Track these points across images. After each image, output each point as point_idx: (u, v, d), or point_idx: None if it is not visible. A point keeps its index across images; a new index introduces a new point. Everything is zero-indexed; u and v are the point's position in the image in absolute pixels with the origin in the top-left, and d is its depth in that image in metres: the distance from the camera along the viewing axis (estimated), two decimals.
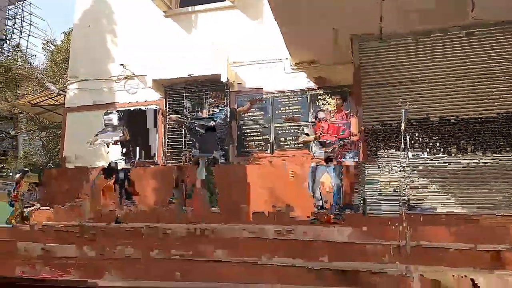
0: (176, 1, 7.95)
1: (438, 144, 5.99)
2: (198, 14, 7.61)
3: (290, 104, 6.90)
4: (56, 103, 9.10)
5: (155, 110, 7.51)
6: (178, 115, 6.59)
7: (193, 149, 5.74)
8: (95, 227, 4.20)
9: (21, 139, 14.55)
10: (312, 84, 6.83)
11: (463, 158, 5.85)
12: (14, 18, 14.50)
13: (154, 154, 7.36)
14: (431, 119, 6.12)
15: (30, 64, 16.35)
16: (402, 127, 3.89)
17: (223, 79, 6.86)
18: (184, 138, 7.23)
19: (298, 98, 6.88)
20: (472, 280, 2.62)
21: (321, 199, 5.31)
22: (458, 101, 6.07)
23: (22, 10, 14.61)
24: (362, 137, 6.20)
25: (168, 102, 7.49)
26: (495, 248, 3.02)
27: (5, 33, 14.33)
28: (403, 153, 3.65)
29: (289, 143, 6.78)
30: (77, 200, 5.89)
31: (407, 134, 3.64)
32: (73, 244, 3.79)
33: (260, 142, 6.90)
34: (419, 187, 5.77)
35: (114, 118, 5.89)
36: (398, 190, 5.58)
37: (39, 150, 13.80)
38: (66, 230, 4.14)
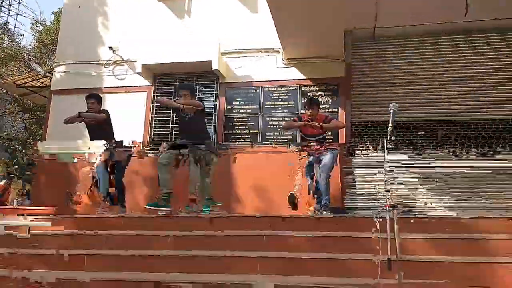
0: None
1: (426, 146, 6.03)
2: (191, 0, 7.49)
3: (280, 99, 6.85)
4: (41, 85, 8.89)
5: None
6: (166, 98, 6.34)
7: (179, 139, 5.51)
8: None
9: (5, 119, 14.26)
10: (303, 79, 6.79)
11: (451, 160, 5.90)
12: None
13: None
14: (419, 120, 6.16)
15: (17, 43, 16.03)
16: (390, 127, 3.87)
17: (214, 66, 6.77)
18: (172, 125, 7.14)
19: (288, 94, 6.84)
20: None
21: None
22: (448, 103, 6.13)
23: None
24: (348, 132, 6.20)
25: (156, 90, 7.38)
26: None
27: None
28: (389, 153, 3.62)
29: (276, 137, 6.75)
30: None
31: (393, 136, 3.61)
32: None
33: (247, 135, 6.85)
34: (405, 188, 5.81)
35: (96, 101, 5.71)
36: (382, 191, 5.59)
37: (21, 132, 13.54)
38: None
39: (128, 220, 3.92)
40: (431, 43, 6.33)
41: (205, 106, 5.54)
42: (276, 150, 6.56)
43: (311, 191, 5.30)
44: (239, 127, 6.92)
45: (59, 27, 9.31)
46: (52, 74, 8.13)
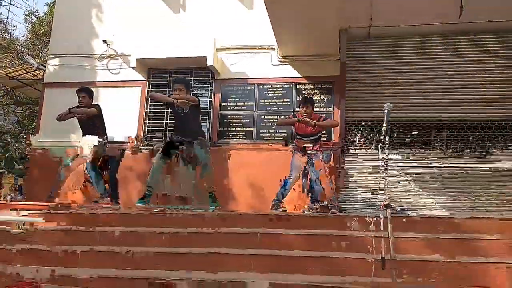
0: None
1: (419, 146, 6.09)
2: None
3: (275, 96, 6.86)
4: (34, 77, 8.80)
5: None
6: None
7: (174, 135, 5.52)
8: None
9: None
10: (298, 77, 6.80)
11: (444, 161, 5.97)
12: None
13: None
14: (413, 120, 6.20)
15: (10, 35, 15.82)
16: (384, 127, 3.89)
17: (209, 62, 6.75)
18: (166, 120, 7.12)
19: (283, 91, 6.85)
20: None
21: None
22: (441, 104, 6.18)
23: None
24: (342, 131, 6.23)
25: (151, 85, 7.35)
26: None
27: None
28: (382, 153, 3.65)
29: (270, 135, 6.76)
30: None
31: (388, 135, 3.64)
32: None
33: (241, 132, 6.85)
34: (398, 187, 5.86)
35: (87, 95, 5.68)
36: (376, 190, 5.66)
37: (14, 126, 13.40)
38: None
39: (121, 216, 3.90)
40: (426, 43, 6.37)
41: (200, 102, 5.54)
42: (271, 148, 6.58)
43: (305, 189, 5.34)
44: (234, 124, 6.92)
45: (52, 19, 9.20)
46: (45, 67, 8.04)
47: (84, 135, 5.68)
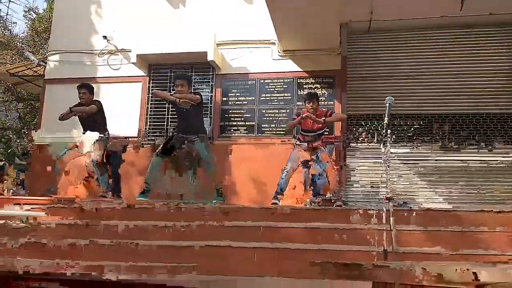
0: None
1: (421, 139, 6.09)
2: None
3: (276, 91, 6.85)
4: (35, 74, 8.80)
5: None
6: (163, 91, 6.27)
7: (176, 132, 5.51)
8: None
9: None
10: (299, 72, 6.79)
11: (447, 154, 5.98)
12: None
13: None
14: (415, 113, 6.20)
15: (10, 31, 15.79)
16: (385, 121, 3.89)
17: (210, 57, 6.74)
18: (167, 115, 7.12)
19: (284, 86, 6.84)
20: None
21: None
22: (443, 97, 6.18)
23: None
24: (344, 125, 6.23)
25: (152, 80, 7.35)
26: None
27: None
28: (384, 146, 3.65)
29: (271, 129, 6.76)
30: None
31: (389, 129, 3.64)
32: None
33: (243, 127, 6.86)
34: (401, 181, 5.87)
35: (87, 91, 5.69)
36: (378, 183, 5.66)
37: (16, 122, 13.41)
38: None
39: (125, 211, 3.90)
40: (427, 36, 6.35)
41: (203, 98, 5.54)
42: (272, 142, 6.59)
43: (307, 183, 5.35)
44: (235, 119, 6.92)
45: (52, 15, 9.19)
46: (45, 63, 8.04)
47: (85, 131, 5.69)
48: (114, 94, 7.23)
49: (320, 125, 5.25)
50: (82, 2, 7.80)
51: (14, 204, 3.92)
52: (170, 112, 7.04)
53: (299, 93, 6.73)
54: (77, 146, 5.66)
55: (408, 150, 6.06)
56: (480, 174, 5.80)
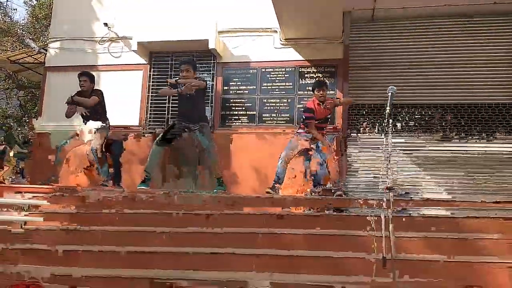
0: None
1: (423, 129, 6.07)
2: None
3: (277, 80, 6.82)
4: (36, 61, 8.77)
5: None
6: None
7: (178, 120, 5.50)
8: None
9: None
10: (301, 60, 6.74)
11: (449, 143, 5.96)
12: None
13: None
14: (417, 103, 6.17)
15: (10, 18, 15.69)
16: (387, 111, 3.86)
17: (211, 45, 6.69)
18: (168, 104, 7.10)
19: (286, 75, 6.80)
20: None
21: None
22: (446, 86, 6.14)
23: None
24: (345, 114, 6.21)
25: (152, 68, 7.31)
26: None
27: None
28: (386, 136, 3.64)
29: (272, 119, 6.74)
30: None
31: (391, 119, 3.62)
32: None
33: (244, 116, 6.83)
34: (402, 171, 5.86)
35: (88, 79, 5.66)
36: (380, 173, 5.65)
37: (16, 109, 13.40)
38: None
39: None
40: (430, 25, 6.29)
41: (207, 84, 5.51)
42: (273, 131, 6.57)
43: (308, 172, 5.35)
44: (236, 108, 6.89)
45: (52, 2, 9.11)
46: (46, 50, 7.99)
47: (85, 121, 5.67)
48: (114, 82, 7.19)
49: (329, 112, 5.23)
50: None
51: (15, 193, 3.93)
52: (171, 101, 7.02)
53: (300, 82, 6.69)
54: (77, 135, 5.67)
55: (409, 140, 6.04)
56: (482, 164, 5.79)
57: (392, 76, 6.24)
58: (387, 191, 3.38)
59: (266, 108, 6.79)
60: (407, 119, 6.14)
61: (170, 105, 7.05)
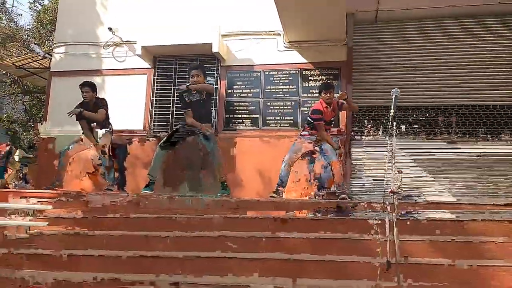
0: None
1: (427, 131, 6.04)
2: None
3: (281, 83, 6.81)
4: (41, 66, 8.83)
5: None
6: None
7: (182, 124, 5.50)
8: None
9: (5, 101, 14.20)
10: (304, 63, 6.74)
11: (453, 145, 5.93)
12: None
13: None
14: (421, 105, 6.15)
15: (16, 23, 15.83)
16: (391, 113, 3.85)
17: (215, 49, 6.70)
18: (172, 108, 7.12)
19: (290, 78, 6.79)
20: None
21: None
22: (451, 88, 6.11)
23: None
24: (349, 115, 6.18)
25: (157, 73, 7.33)
26: None
27: None
28: (390, 138, 3.62)
29: (276, 122, 6.73)
30: None
31: (395, 121, 3.60)
32: None
33: (248, 119, 6.83)
34: (407, 173, 5.83)
35: (90, 89, 5.68)
36: (384, 176, 5.61)
37: (22, 114, 13.50)
38: None
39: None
40: (434, 26, 6.27)
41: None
42: (277, 135, 6.57)
43: (312, 176, 5.33)
44: (240, 111, 6.90)
45: (57, 7, 9.18)
46: (51, 55, 8.05)
47: (89, 127, 5.68)
48: (119, 86, 7.24)
49: (335, 114, 5.27)
50: None
51: (20, 198, 3.95)
52: (175, 105, 7.04)
53: (304, 85, 6.69)
54: (81, 140, 5.69)
55: (413, 142, 6.01)
56: (486, 165, 5.75)
57: (396, 77, 6.22)
58: (392, 194, 3.36)
59: (269, 111, 6.78)
60: (411, 121, 6.11)
61: (174, 109, 7.07)
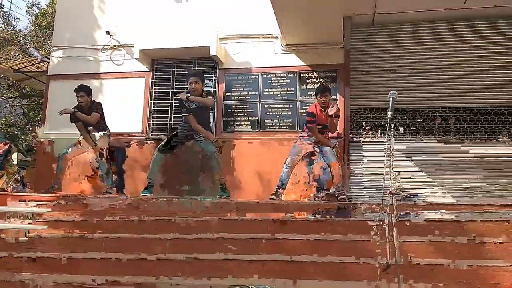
0: None
1: (424, 133, 6.06)
2: None
3: (279, 86, 6.83)
4: (39, 70, 8.83)
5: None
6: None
7: (181, 129, 5.52)
8: None
9: (3, 105, 14.16)
10: (302, 66, 6.76)
11: (451, 147, 5.95)
12: None
13: None
14: (419, 107, 6.17)
15: (13, 27, 15.80)
16: (389, 115, 3.86)
17: (212, 52, 6.72)
18: (171, 111, 7.12)
19: (287, 80, 6.82)
20: None
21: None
22: (447, 90, 6.15)
23: None
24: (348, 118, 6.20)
25: (155, 76, 7.34)
26: None
27: None
28: (388, 141, 3.64)
29: (275, 124, 6.74)
30: None
31: (393, 123, 3.62)
32: None
33: (246, 122, 6.85)
34: (405, 175, 5.84)
35: (85, 93, 5.69)
36: (382, 178, 5.63)
37: (20, 118, 13.46)
38: None
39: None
40: (431, 29, 6.30)
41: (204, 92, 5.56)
42: (276, 137, 6.58)
43: (311, 177, 5.34)
44: (238, 114, 6.91)
45: (55, 10, 9.18)
46: (49, 59, 8.04)
47: (86, 131, 5.68)
48: (117, 90, 7.24)
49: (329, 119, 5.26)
50: None
51: (19, 201, 3.95)
52: (173, 108, 7.04)
53: (302, 88, 6.71)
54: (79, 143, 5.69)
55: (412, 144, 6.04)
56: (484, 167, 5.78)
57: (394, 80, 6.25)
58: (391, 195, 3.38)
59: (268, 113, 6.80)
60: (409, 123, 6.14)
61: (173, 112, 7.08)
